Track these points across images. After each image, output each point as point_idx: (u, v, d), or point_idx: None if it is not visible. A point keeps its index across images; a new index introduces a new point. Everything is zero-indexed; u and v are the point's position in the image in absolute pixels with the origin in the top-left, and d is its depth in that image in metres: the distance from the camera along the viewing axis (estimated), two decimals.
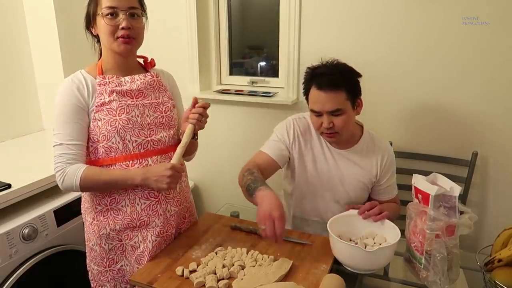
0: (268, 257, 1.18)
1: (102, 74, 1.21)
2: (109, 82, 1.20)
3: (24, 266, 1.43)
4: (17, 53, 2.05)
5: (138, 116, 1.21)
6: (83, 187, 1.16)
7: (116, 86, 1.20)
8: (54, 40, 1.99)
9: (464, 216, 1.04)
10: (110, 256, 1.26)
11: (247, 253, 1.21)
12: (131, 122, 1.20)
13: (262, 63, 2.33)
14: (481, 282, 1.10)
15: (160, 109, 1.27)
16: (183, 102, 1.43)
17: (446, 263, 1.03)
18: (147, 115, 1.24)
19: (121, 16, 1.15)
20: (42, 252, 1.50)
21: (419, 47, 1.75)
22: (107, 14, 1.14)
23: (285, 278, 1.10)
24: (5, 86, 2.01)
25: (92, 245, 1.27)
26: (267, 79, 2.23)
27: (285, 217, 1.10)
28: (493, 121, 1.71)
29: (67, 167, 1.15)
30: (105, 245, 1.25)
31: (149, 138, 1.23)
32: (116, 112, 1.18)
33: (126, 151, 1.20)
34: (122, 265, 1.27)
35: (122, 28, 1.15)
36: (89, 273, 1.32)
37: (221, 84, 2.36)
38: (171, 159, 1.23)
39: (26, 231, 1.42)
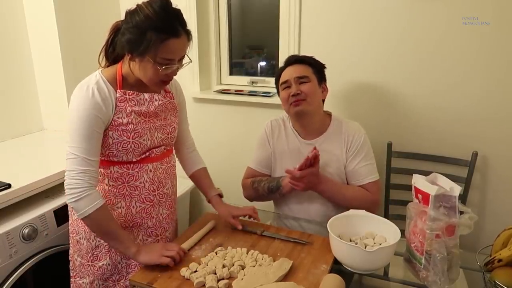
0: (268, 257, 1.18)
1: (122, 88, 1.18)
2: (129, 99, 1.18)
3: (24, 266, 1.43)
4: (17, 53, 2.05)
5: (148, 139, 1.23)
6: (91, 218, 1.12)
7: (135, 104, 1.19)
8: (54, 40, 1.99)
9: (464, 216, 1.04)
10: (95, 253, 1.27)
11: (247, 253, 1.21)
12: (141, 146, 1.21)
13: (262, 63, 2.33)
14: (481, 282, 1.10)
15: (167, 130, 1.29)
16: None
17: (446, 263, 1.03)
18: (156, 138, 1.26)
19: (175, 66, 1.13)
20: (42, 252, 1.50)
21: (419, 47, 1.75)
22: (164, 64, 1.10)
23: (285, 278, 1.10)
24: (5, 86, 2.01)
25: (80, 238, 1.27)
26: (267, 79, 2.23)
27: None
28: (493, 121, 1.71)
29: (88, 190, 1.12)
30: (92, 241, 1.26)
31: (150, 152, 1.25)
32: (130, 134, 1.18)
33: (126, 160, 1.22)
34: (103, 264, 1.27)
35: (169, 76, 1.15)
36: (71, 263, 1.33)
37: (221, 84, 2.36)
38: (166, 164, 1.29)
39: (26, 231, 1.42)
